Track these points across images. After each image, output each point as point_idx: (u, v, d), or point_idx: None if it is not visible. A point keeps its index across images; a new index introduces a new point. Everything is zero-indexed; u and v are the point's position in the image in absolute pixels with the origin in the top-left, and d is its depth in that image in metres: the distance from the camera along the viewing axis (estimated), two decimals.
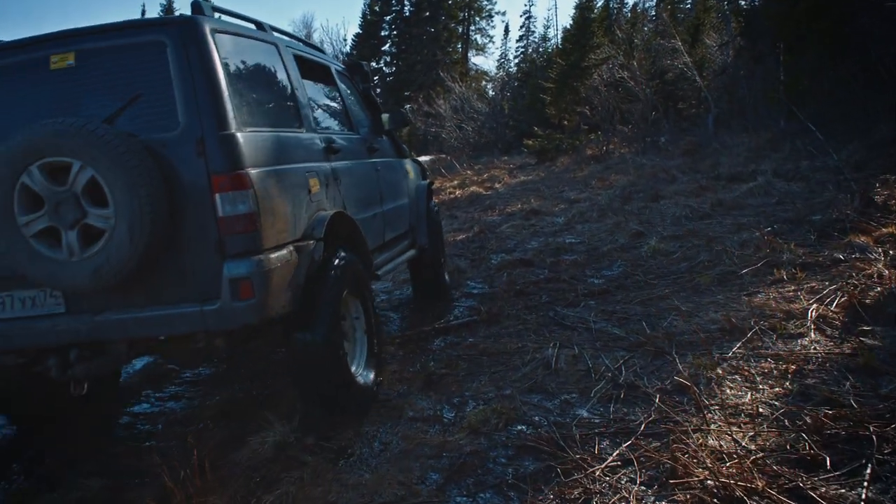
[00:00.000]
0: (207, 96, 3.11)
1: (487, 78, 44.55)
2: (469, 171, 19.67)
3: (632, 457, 2.77)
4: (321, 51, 5.57)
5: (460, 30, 46.63)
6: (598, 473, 2.71)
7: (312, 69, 4.64)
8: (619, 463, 2.78)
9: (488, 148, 26.84)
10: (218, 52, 3.23)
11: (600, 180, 12.34)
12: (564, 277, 6.13)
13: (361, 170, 4.71)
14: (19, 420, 4.23)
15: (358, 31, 46.15)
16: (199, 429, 3.97)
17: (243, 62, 3.59)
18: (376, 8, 45.42)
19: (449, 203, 13.33)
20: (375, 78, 45.63)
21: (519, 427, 3.28)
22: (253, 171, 3.14)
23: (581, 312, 5.06)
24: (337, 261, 3.68)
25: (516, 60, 49.58)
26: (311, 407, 3.71)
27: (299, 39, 5.06)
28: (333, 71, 5.10)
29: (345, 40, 49.94)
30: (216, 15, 3.47)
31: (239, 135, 3.14)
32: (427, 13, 44.17)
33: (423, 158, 30.62)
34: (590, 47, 21.51)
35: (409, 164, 6.12)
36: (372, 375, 3.89)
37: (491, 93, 34.12)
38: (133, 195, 2.90)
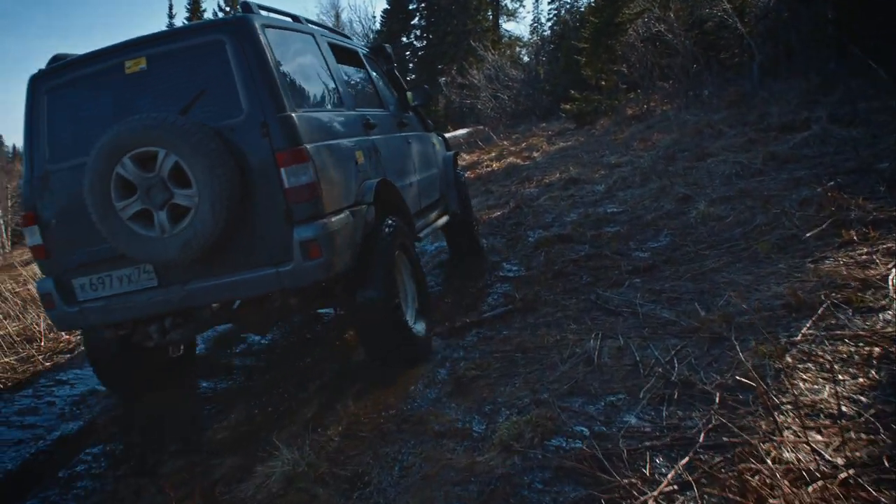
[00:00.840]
0: (264, 84, 3.56)
1: (521, 44, 43.50)
2: (506, 142, 19.09)
3: (690, 479, 2.31)
4: (348, 37, 6.00)
5: None
6: (649, 503, 2.26)
7: (344, 54, 5.11)
8: (674, 487, 2.33)
9: (526, 116, 26.12)
10: (268, 45, 3.67)
11: (642, 141, 11.69)
12: (606, 253, 5.63)
13: (395, 143, 5.18)
14: (115, 389, 4.70)
15: (386, 6, 45.40)
16: (207, 454, 3.64)
17: (289, 52, 4.03)
18: None
19: (485, 177, 12.83)
20: (407, 53, 45.15)
21: (557, 441, 2.83)
22: (310, 146, 3.60)
23: (626, 294, 4.58)
24: (387, 223, 4.16)
25: (549, 23, 48.42)
26: (376, 359, 4.16)
27: (329, 28, 5.49)
28: (361, 55, 5.58)
29: (373, 17, 49.52)
30: (262, 12, 3.94)
31: (294, 115, 3.60)
32: None
33: (460, 132, 30.17)
34: (623, 2, 20.57)
35: (434, 138, 6.63)
36: (423, 326, 4.36)
37: (525, 59, 33.23)
38: (212, 175, 3.36)
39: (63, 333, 6.31)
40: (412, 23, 45.25)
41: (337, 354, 4.86)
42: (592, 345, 3.70)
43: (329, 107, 4.30)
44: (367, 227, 3.99)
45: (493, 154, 16.78)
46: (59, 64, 3.94)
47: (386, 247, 4.03)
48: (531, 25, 50.15)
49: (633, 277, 4.91)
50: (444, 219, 5.99)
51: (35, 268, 13.51)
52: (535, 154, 14.70)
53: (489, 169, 13.93)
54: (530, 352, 3.91)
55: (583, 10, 33.81)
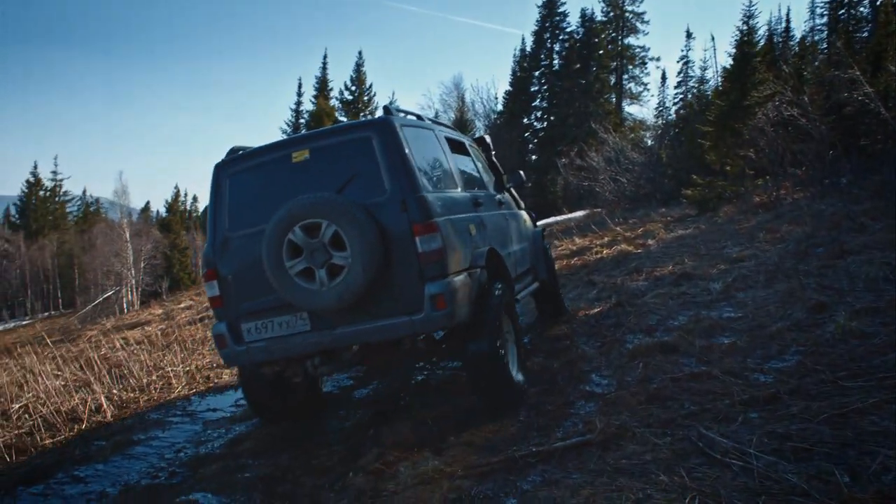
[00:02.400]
0: (403, 170, 4.43)
1: (644, 127, 42.50)
2: (622, 226, 18.04)
3: None
4: (455, 130, 6.76)
5: (613, 79, 45.11)
6: None
7: (455, 145, 6.00)
8: None
9: (645, 200, 24.93)
10: (405, 139, 4.58)
11: (769, 232, 10.43)
12: (717, 372, 4.57)
13: (496, 219, 5.93)
14: (262, 414, 5.49)
15: (508, 88, 45.71)
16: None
17: (418, 145, 4.84)
18: (525, 64, 44.87)
19: (592, 265, 11.84)
20: (527, 134, 45.04)
21: None
22: (439, 220, 4.42)
23: (738, 434, 3.53)
24: (496, 286, 4.87)
25: (675, 107, 47.28)
26: (483, 401, 4.77)
27: (442, 123, 6.29)
28: (467, 145, 6.52)
29: (495, 98, 49.78)
30: (399, 113, 4.92)
31: (427, 195, 4.45)
32: (577, 65, 43.02)
33: (576, 214, 29.37)
34: (752, 84, 19.39)
35: (525, 215, 7.51)
36: (522, 376, 4.99)
37: (649, 142, 32.09)
38: (363, 241, 4.19)
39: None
40: (534, 104, 45.34)
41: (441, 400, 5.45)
42: None
43: (449, 188, 5.14)
44: (480, 288, 4.74)
45: (606, 240, 15.76)
46: (239, 155, 4.93)
47: (496, 305, 4.69)
48: (656, 109, 49.01)
49: (748, 410, 3.85)
50: (535, 285, 6.86)
51: (134, 332, 13.54)
52: (650, 242, 13.58)
53: (598, 256, 12.92)
54: None
55: (709, 93, 32.59)
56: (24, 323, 56.36)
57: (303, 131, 44.59)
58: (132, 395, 7.18)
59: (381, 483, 3.88)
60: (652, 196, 24.96)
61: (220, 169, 4.90)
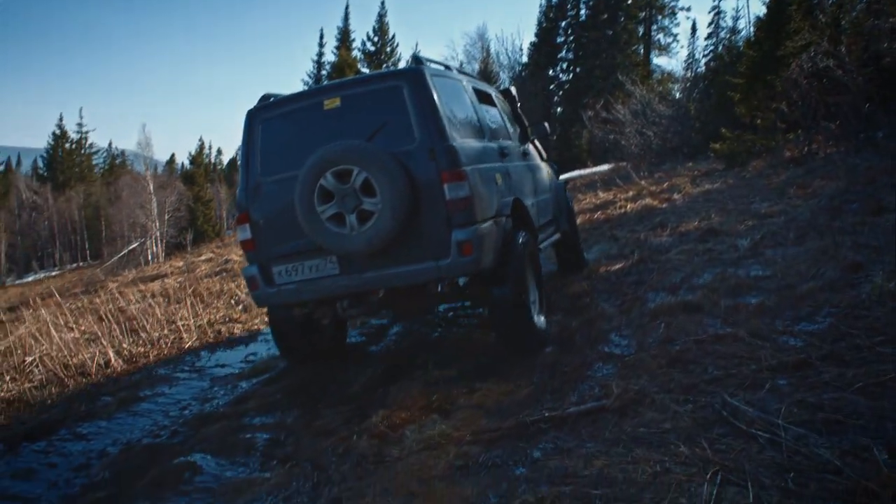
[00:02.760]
0: (433, 120, 4.50)
1: (672, 80, 41.39)
2: (647, 181, 17.63)
3: None
4: (482, 81, 6.88)
5: (641, 30, 43.89)
6: None
7: (483, 96, 6.07)
8: None
9: (672, 154, 24.35)
10: (435, 89, 4.64)
11: (800, 188, 10.02)
12: (743, 334, 4.30)
13: (521, 169, 6.05)
14: (290, 354, 5.67)
15: (534, 39, 44.74)
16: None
17: (447, 95, 4.91)
18: (551, 15, 43.78)
19: (615, 219, 11.52)
20: (552, 86, 44.20)
21: None
22: (467, 168, 4.49)
23: (765, 401, 3.30)
24: (521, 234, 4.99)
25: (705, 59, 46.03)
26: (505, 344, 4.98)
27: (468, 74, 6.37)
28: (494, 96, 6.55)
29: (521, 50, 48.79)
30: (429, 63, 4.97)
31: (455, 144, 4.52)
32: (605, 15, 41.87)
33: (601, 168, 28.85)
34: (786, 34, 18.60)
35: (548, 167, 7.63)
36: (543, 319, 5.18)
37: (677, 95, 31.22)
38: (392, 187, 4.28)
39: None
40: (559, 56, 44.37)
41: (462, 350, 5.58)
42: (705, 493, 2.49)
43: (476, 138, 5.16)
44: (505, 236, 4.85)
45: (630, 194, 15.41)
46: (271, 101, 5.00)
47: (519, 253, 4.84)
48: (686, 61, 47.68)
49: (776, 376, 3.60)
50: (557, 236, 6.94)
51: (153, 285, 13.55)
52: (676, 196, 13.21)
53: (622, 211, 12.59)
54: (613, 490, 2.74)
55: (740, 44, 31.53)
56: (52, 274, 57.25)
57: (324, 83, 44.14)
58: (142, 349, 7.08)
59: (386, 447, 3.71)
60: (679, 150, 24.38)
61: (252, 115, 4.98)
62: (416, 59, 4.83)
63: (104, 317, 8.81)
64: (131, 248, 45.70)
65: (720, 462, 2.75)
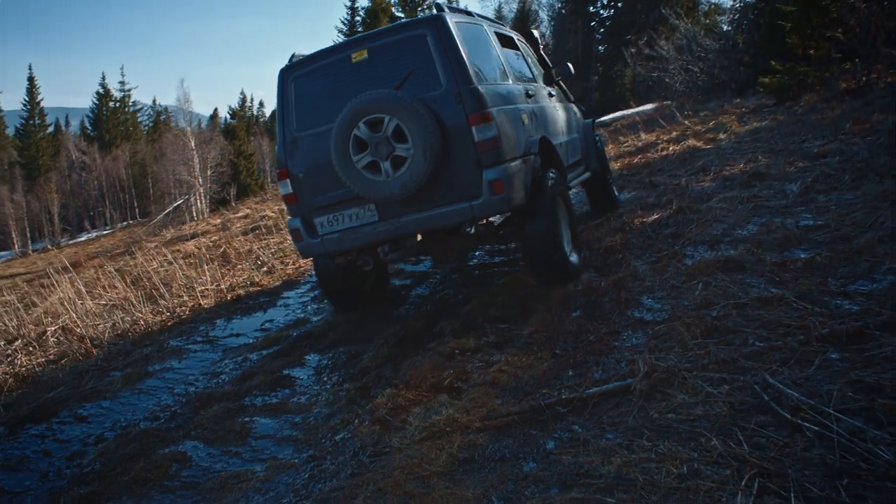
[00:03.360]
0: (457, 65, 4.66)
1: (720, 11, 39.40)
2: (692, 119, 16.81)
3: None
4: (504, 25, 7.14)
5: None
6: None
7: (505, 40, 6.22)
8: None
9: (719, 91, 23.23)
10: (458, 35, 4.78)
11: (857, 123, 9.24)
12: (790, 297, 3.82)
13: (547, 110, 6.16)
14: (337, 302, 5.98)
15: None
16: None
17: (471, 40, 5.04)
18: None
19: (655, 163, 10.89)
20: (593, 23, 42.65)
21: None
22: (493, 110, 4.67)
23: (813, 382, 2.85)
24: (549, 173, 5.19)
25: None
26: (540, 279, 5.19)
27: (490, 18, 6.37)
28: (516, 39, 6.71)
29: None
30: (449, 11, 5.02)
31: (480, 87, 4.67)
32: None
33: (644, 108, 27.82)
34: None
35: (575, 107, 7.79)
36: (576, 255, 5.39)
37: (725, 28, 29.65)
38: (423, 133, 4.49)
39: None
40: None
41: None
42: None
43: (500, 81, 5.30)
44: (534, 173, 5.02)
45: (674, 134, 14.70)
46: (301, 59, 5.14)
47: (549, 191, 5.02)
48: None
49: (828, 350, 3.14)
50: (587, 174, 7.14)
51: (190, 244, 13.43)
52: (722, 136, 12.50)
53: (663, 153, 11.94)
54: (631, 497, 2.35)
55: None
56: (104, 233, 58.44)
57: (358, 30, 43.25)
58: (159, 318, 6.87)
59: (387, 435, 3.38)
60: (726, 86, 23.28)
61: (284, 73, 5.14)
62: (438, 7, 4.96)
63: (127, 284, 8.64)
64: (176, 205, 46.18)
65: (758, 463, 2.34)
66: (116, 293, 8.47)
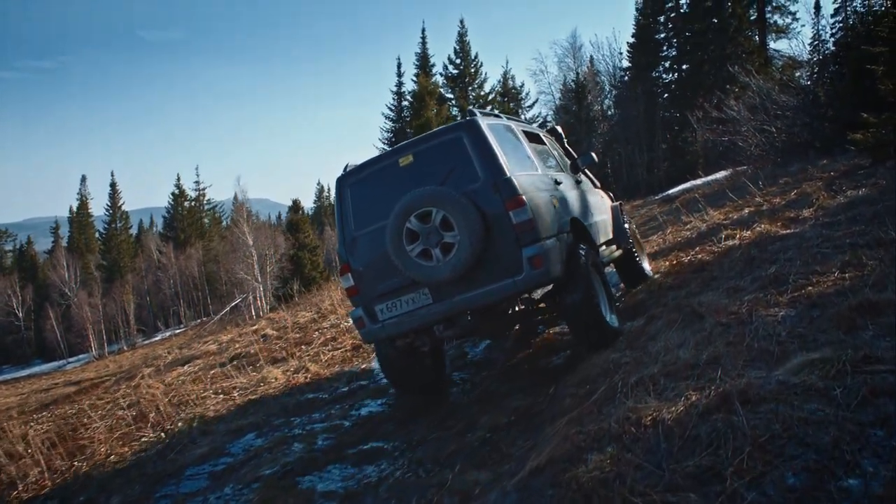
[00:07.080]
0: (492, 159, 5.61)
1: (796, 65, 36.06)
2: (767, 190, 13.80)
3: None
4: (530, 124, 8.67)
5: (753, 13, 38.96)
6: None
7: (532, 136, 7.37)
8: None
9: (801, 151, 19.98)
10: (490, 133, 5.79)
11: None
12: None
13: (575, 194, 7.15)
14: (398, 384, 6.83)
15: (631, 39, 40.83)
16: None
17: (501, 137, 6.05)
18: (648, 10, 39.76)
19: (713, 266, 7.89)
20: (657, 88, 40.04)
21: None
22: (526, 196, 5.54)
23: None
24: (581, 248, 6.06)
25: (833, 39, 40.35)
26: (582, 343, 6.02)
27: (517, 119, 7.65)
28: (542, 135, 8.01)
29: (620, 54, 44.88)
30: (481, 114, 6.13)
31: (513, 177, 5.59)
32: (708, 2, 37.43)
33: (714, 176, 24.57)
34: None
35: (602, 192, 8.98)
36: (615, 318, 6.29)
37: (803, 82, 26.36)
38: (467, 220, 5.35)
39: None
40: (662, 54, 40.25)
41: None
42: None
43: (530, 171, 6.22)
44: (568, 248, 5.90)
45: (746, 212, 11.81)
46: (354, 168, 6.17)
47: (584, 263, 5.87)
48: (811, 44, 41.97)
49: None
50: (619, 252, 8.17)
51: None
52: (806, 212, 9.47)
53: (727, 243, 8.95)
54: None
55: (877, 9, 26.45)
56: (177, 331, 58.11)
57: (405, 115, 41.75)
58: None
59: None
60: (809, 145, 20.03)
61: (341, 181, 6.11)
62: (470, 112, 5.96)
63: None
64: (234, 304, 45.00)
65: None
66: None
